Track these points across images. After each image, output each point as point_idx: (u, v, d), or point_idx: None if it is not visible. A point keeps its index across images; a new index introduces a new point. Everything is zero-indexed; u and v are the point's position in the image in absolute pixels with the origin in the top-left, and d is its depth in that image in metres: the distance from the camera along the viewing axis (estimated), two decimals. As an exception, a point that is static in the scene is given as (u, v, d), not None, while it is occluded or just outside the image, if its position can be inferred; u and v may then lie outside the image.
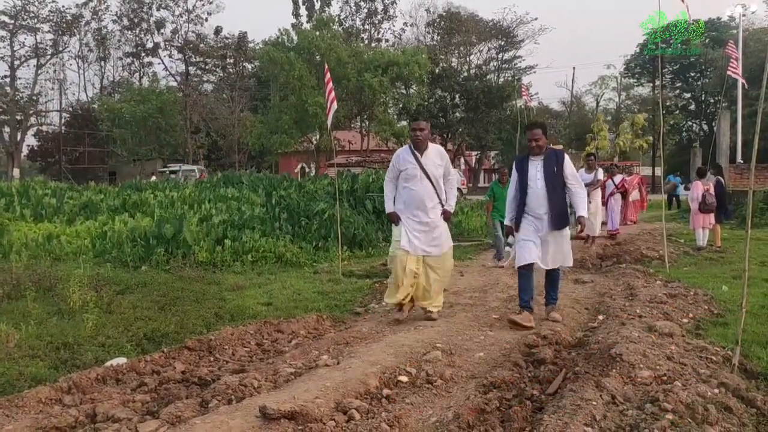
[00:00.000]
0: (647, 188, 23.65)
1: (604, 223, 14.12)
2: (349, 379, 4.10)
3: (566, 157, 6.06)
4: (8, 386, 4.39)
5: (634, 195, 17.56)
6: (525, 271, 5.93)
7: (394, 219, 6.23)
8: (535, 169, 5.95)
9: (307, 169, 41.25)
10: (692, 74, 50.86)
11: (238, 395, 3.89)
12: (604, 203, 14.19)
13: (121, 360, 4.86)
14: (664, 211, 11.04)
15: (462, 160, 45.63)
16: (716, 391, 3.79)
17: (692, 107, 52.47)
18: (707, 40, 44.66)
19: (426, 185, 6.08)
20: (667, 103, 47.24)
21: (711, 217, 11.80)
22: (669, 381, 3.91)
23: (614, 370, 4.04)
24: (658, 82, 44.55)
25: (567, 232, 6.03)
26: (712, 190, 11.70)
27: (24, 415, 3.74)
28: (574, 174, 6.04)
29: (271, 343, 5.67)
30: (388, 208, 6.33)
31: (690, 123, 53.26)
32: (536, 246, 5.86)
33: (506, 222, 6.32)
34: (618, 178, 15.00)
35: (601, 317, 6.21)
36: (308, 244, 11.53)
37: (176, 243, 10.51)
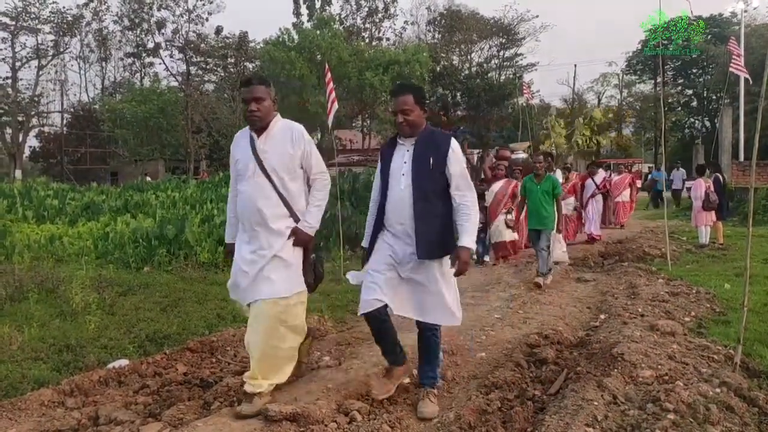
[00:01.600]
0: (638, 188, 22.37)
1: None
2: (350, 380, 4.11)
3: (454, 145, 3.83)
4: (11, 389, 4.39)
5: (623, 196, 16.06)
6: (375, 324, 3.93)
7: (228, 253, 4.19)
8: (401, 160, 3.85)
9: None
10: (694, 71, 50.79)
11: (240, 397, 3.90)
12: (584, 205, 13.25)
13: (124, 362, 4.87)
14: (665, 209, 11.02)
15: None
16: (718, 390, 3.79)
17: (694, 104, 52.42)
18: (709, 37, 44.61)
19: (262, 187, 3.84)
20: (669, 100, 47.21)
21: (713, 215, 11.79)
22: (670, 380, 3.91)
23: (616, 370, 4.04)
24: (659, 79, 44.54)
25: (447, 268, 3.81)
26: (712, 188, 11.69)
27: (27, 417, 3.75)
28: (462, 174, 3.81)
29: (273, 344, 5.67)
30: (227, 236, 4.27)
31: (692, 120, 53.22)
32: (387, 283, 3.80)
33: (363, 242, 4.18)
34: (599, 178, 13.85)
35: (603, 316, 6.21)
36: (309, 244, 11.52)
37: (178, 244, 10.51)
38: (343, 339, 5.48)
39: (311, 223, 3.96)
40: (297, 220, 3.90)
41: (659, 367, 4.13)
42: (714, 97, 48.03)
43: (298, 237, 3.88)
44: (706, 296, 7.04)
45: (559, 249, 8.47)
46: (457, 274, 3.76)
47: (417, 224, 3.73)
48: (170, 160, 46.59)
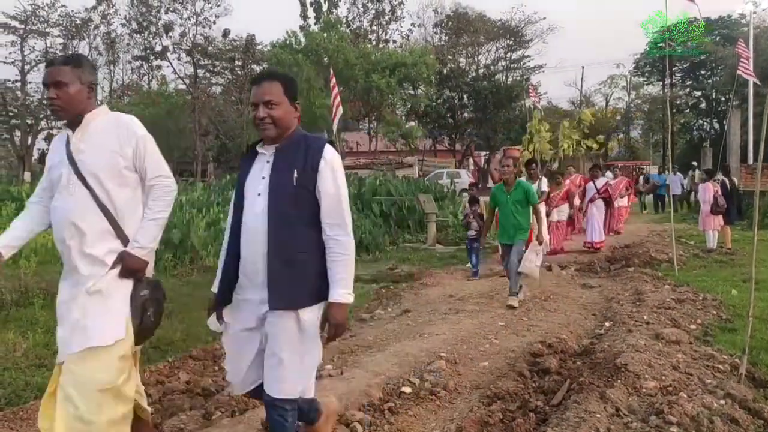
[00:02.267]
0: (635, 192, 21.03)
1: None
2: (352, 390, 4.09)
3: (329, 154, 2.83)
4: (14, 396, 4.40)
5: (621, 201, 15.26)
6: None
7: None
8: (259, 174, 2.88)
9: (315, 171, 41.25)
10: (702, 72, 50.51)
11: (241, 407, 3.90)
12: (584, 211, 12.63)
13: (126, 370, 4.86)
14: (672, 213, 10.94)
15: (471, 160, 45.57)
16: (722, 402, 3.76)
17: (703, 105, 52.13)
18: (718, 38, 44.40)
19: (78, 199, 2.92)
20: (678, 102, 46.99)
21: (721, 219, 11.72)
22: (674, 392, 3.88)
23: (619, 381, 4.01)
24: (668, 81, 44.36)
25: (312, 327, 2.77)
26: (720, 191, 11.63)
27: (28, 427, 3.75)
28: (338, 198, 2.79)
29: (276, 351, 5.66)
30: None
31: (701, 121, 52.92)
32: (247, 356, 2.87)
33: (213, 288, 3.07)
34: (601, 182, 12.96)
35: (607, 324, 6.17)
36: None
37: (183, 248, 10.55)
38: (346, 347, 5.46)
39: (143, 244, 2.94)
40: (128, 241, 2.94)
41: (663, 377, 4.09)
42: (723, 99, 47.77)
43: (125, 264, 2.90)
44: (713, 303, 6.99)
45: (533, 261, 7.18)
46: (328, 340, 2.86)
47: (272, 262, 2.70)
48: (178, 162, 46.74)
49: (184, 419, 3.74)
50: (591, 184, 12.79)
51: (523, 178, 9.65)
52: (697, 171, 23.20)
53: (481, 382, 4.43)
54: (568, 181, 12.67)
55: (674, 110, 42.64)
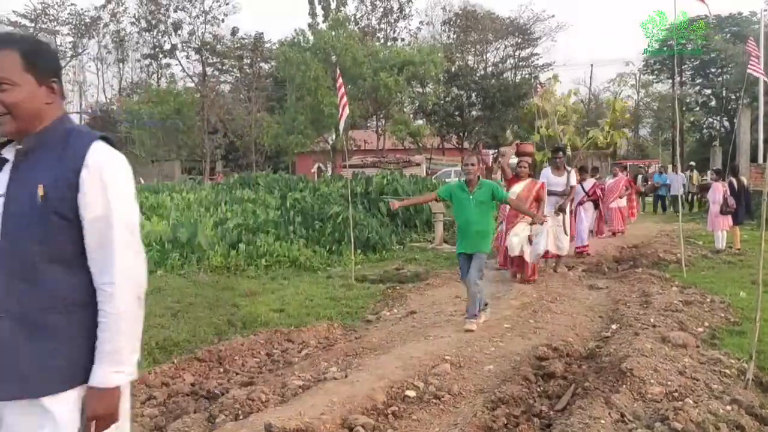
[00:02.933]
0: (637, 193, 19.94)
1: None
2: (356, 393, 4.08)
3: (104, 158, 1.86)
4: (20, 398, 4.42)
5: (620, 202, 14.91)
6: None
7: None
8: None
9: (323, 169, 41.36)
10: (713, 70, 50.11)
11: (246, 410, 3.90)
12: (573, 213, 11.50)
13: (132, 372, 4.87)
14: (680, 213, 10.86)
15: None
16: (728, 408, 3.73)
17: (713, 104, 51.73)
18: (728, 36, 44.07)
19: None
20: (687, 100, 46.68)
21: (729, 219, 11.64)
22: (680, 397, 3.85)
23: (624, 386, 3.98)
24: (677, 79, 44.06)
25: (64, 422, 1.79)
26: (729, 192, 11.55)
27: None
28: (114, 223, 1.84)
29: (281, 353, 5.68)
30: None
31: (711, 120, 52.56)
32: None
33: None
34: (589, 184, 12.60)
35: (614, 326, 6.13)
36: (322, 248, 11.56)
37: (191, 247, 10.58)
38: (351, 349, 5.45)
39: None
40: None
41: (669, 383, 4.06)
42: (733, 97, 47.41)
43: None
44: (721, 305, 6.95)
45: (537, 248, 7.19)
46: None
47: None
48: (186, 160, 46.92)
49: (188, 422, 3.75)
50: (579, 186, 11.75)
51: (548, 169, 9.73)
52: (695, 171, 22.70)
53: (486, 386, 4.41)
54: (573, 177, 11.27)
55: (684, 108, 42.36)
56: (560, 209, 9.30)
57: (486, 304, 6.37)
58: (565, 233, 9.54)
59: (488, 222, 6.34)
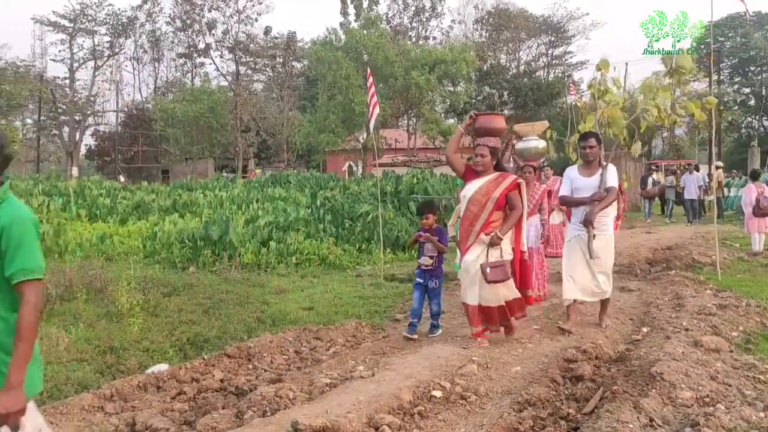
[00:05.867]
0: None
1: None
2: (382, 393, 4.10)
3: None
4: (56, 390, 4.55)
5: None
6: None
7: None
8: None
9: (354, 168, 41.50)
10: (752, 68, 49.08)
11: (273, 407, 3.94)
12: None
13: (163, 367, 4.98)
14: (715, 215, 10.65)
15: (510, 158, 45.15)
16: (762, 414, 3.65)
17: (752, 103, 50.61)
18: (768, 33, 43.04)
19: None
20: (725, 99, 45.71)
21: (767, 221, 11.38)
22: (711, 403, 3.79)
23: (654, 390, 3.92)
24: (714, 77, 43.12)
25: None
26: (766, 193, 11.28)
27: (67, 422, 3.88)
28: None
29: (309, 351, 5.73)
30: None
31: (749, 119, 51.41)
32: None
33: None
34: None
35: (645, 329, 6.05)
36: (351, 247, 11.61)
37: (223, 245, 10.72)
38: (378, 348, 5.47)
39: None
40: None
41: (700, 388, 3.99)
42: (773, 96, 46.33)
43: None
44: (756, 309, 6.79)
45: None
46: None
47: None
48: (219, 158, 47.51)
49: (217, 417, 3.80)
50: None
51: (573, 168, 6.28)
52: (719, 171, 20.25)
53: (513, 388, 4.39)
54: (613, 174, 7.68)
55: (722, 107, 41.45)
56: (586, 221, 5.80)
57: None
58: (592, 258, 5.91)
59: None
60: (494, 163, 5.55)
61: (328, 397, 4.08)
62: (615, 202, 6.13)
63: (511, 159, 7.76)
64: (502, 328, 5.55)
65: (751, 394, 4.00)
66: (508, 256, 5.41)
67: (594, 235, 5.77)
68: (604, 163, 6.06)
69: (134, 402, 4.30)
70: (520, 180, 5.63)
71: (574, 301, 6.05)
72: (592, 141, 6.01)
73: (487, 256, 5.26)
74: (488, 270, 5.16)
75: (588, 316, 6.67)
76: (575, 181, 6.09)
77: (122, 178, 36.86)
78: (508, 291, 5.37)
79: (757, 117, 50.48)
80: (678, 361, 4.42)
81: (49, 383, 4.63)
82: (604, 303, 6.29)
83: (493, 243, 5.24)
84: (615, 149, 6.94)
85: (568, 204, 6.30)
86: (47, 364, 4.98)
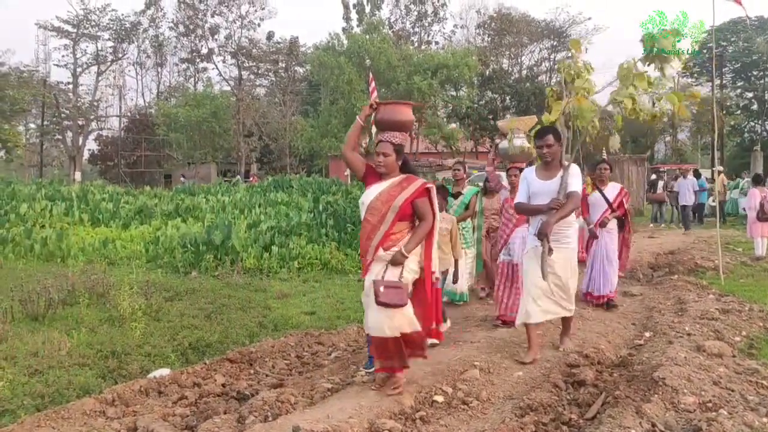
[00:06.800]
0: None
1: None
2: (384, 397, 4.10)
3: None
4: (58, 395, 4.55)
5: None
6: None
7: None
8: None
9: (356, 172, 41.45)
10: (754, 73, 48.98)
11: (275, 412, 3.94)
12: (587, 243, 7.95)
13: (165, 371, 4.98)
14: (718, 219, 10.64)
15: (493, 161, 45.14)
16: (765, 420, 3.64)
17: (755, 107, 50.54)
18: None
19: None
20: (728, 103, 45.65)
21: (770, 226, 11.36)
22: (714, 408, 3.77)
23: (656, 395, 3.91)
24: (717, 82, 43.11)
25: None
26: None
27: (69, 427, 3.87)
28: None
29: (311, 355, 5.72)
30: None
31: (752, 123, 51.32)
32: None
33: None
34: (613, 190, 7.72)
35: (647, 334, 6.03)
36: (354, 251, 11.58)
37: (225, 249, 10.72)
38: (380, 353, 5.46)
39: None
40: None
41: (703, 393, 3.98)
42: (776, 101, 46.26)
43: None
44: (760, 314, 6.78)
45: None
46: None
47: None
48: (222, 163, 47.56)
49: (218, 422, 3.80)
50: (597, 194, 7.71)
51: (531, 169, 5.41)
52: (721, 176, 19.35)
53: (515, 393, 4.38)
54: (615, 188, 7.81)
55: (724, 112, 41.41)
56: (540, 233, 4.90)
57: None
58: (545, 278, 5.01)
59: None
60: (400, 163, 4.44)
61: (330, 402, 4.08)
62: (617, 206, 6.05)
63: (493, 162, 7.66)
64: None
65: (754, 399, 3.99)
66: (411, 275, 4.29)
67: (551, 249, 4.88)
68: (566, 164, 5.13)
69: (136, 407, 4.30)
70: (430, 185, 4.45)
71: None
72: (550, 138, 5.08)
73: (384, 274, 4.19)
74: (381, 289, 4.06)
75: (590, 321, 6.66)
76: (532, 185, 5.17)
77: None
78: (405, 321, 4.17)
79: (759, 121, 50.39)
80: (680, 366, 4.41)
81: (50, 388, 4.64)
82: (565, 321, 5.51)
83: (395, 262, 4.18)
84: (580, 147, 5.83)
85: (524, 213, 5.40)
86: (49, 369, 4.99)
